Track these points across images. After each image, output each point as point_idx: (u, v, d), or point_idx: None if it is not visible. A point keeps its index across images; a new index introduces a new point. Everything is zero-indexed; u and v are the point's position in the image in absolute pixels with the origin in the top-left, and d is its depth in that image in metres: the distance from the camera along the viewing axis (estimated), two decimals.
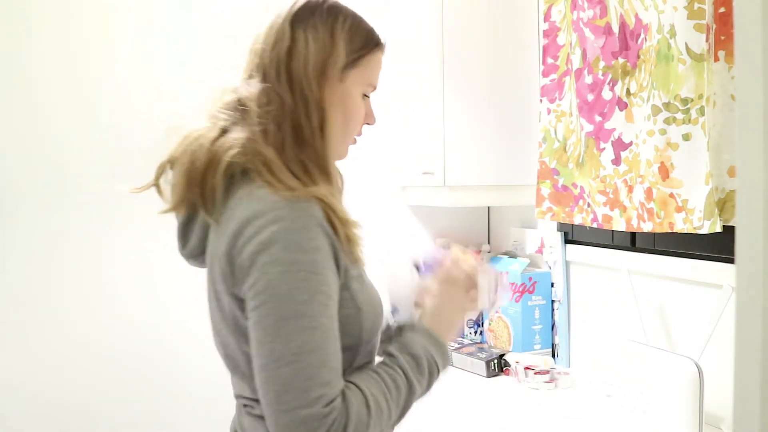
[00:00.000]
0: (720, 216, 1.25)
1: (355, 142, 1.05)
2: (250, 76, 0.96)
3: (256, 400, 0.92)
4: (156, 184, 1.00)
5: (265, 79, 0.94)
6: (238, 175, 0.91)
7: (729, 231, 1.24)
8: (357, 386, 0.89)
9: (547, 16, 1.70)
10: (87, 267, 2.50)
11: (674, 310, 1.47)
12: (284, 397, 0.82)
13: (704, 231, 1.24)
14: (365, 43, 0.99)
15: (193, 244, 1.01)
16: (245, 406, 0.99)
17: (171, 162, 0.97)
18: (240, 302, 0.88)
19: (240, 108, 0.94)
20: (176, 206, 0.96)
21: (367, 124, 1.06)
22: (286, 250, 0.84)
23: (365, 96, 1.02)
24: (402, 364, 0.94)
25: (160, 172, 0.99)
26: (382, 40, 1.01)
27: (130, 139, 2.53)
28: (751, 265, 0.50)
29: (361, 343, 0.94)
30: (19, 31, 2.43)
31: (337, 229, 0.89)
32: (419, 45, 1.95)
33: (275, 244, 0.84)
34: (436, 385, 0.99)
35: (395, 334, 1.00)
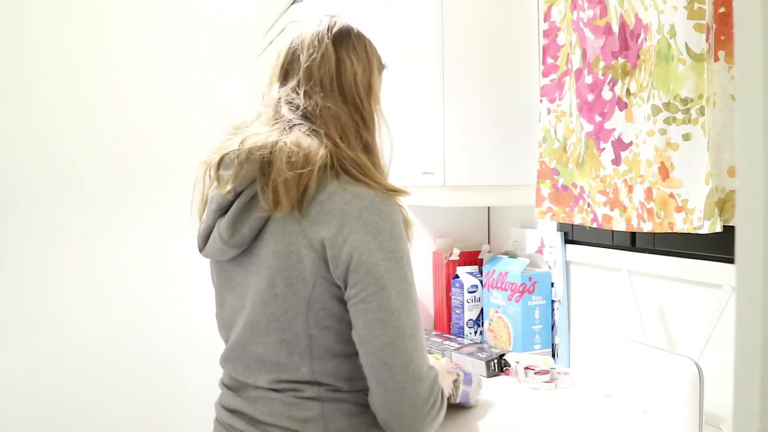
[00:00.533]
0: (720, 216, 1.25)
1: None
2: (306, 92, 1.06)
3: (309, 384, 1.04)
4: (219, 181, 1.07)
5: (321, 92, 1.06)
6: (327, 172, 1.02)
7: (729, 231, 1.24)
8: None
9: (547, 16, 1.70)
10: (87, 267, 2.51)
11: (674, 310, 1.47)
12: (409, 367, 0.97)
13: (704, 231, 1.24)
14: (381, 62, 1.15)
15: (244, 234, 1.05)
16: (289, 390, 1.05)
17: (243, 159, 1.02)
18: (333, 287, 1.00)
19: (306, 116, 1.05)
20: (284, 206, 1.00)
21: None
22: (392, 239, 0.98)
23: None
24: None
25: (240, 170, 1.04)
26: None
27: (129, 140, 2.53)
28: (751, 265, 0.50)
29: None
30: (20, 32, 2.43)
31: (408, 225, 1.04)
32: (419, 45, 1.95)
33: (383, 233, 0.98)
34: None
35: None
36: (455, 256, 2.14)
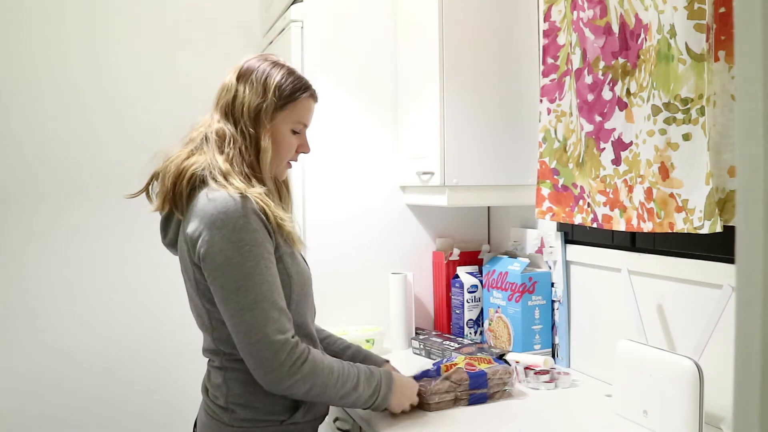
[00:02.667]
0: (720, 216, 1.25)
1: (290, 166, 1.40)
2: (212, 116, 1.34)
3: (215, 353, 1.28)
4: (147, 192, 1.35)
5: (221, 119, 1.32)
6: (198, 183, 1.26)
7: (729, 231, 1.24)
8: (318, 350, 1.26)
9: (547, 16, 1.70)
10: (88, 269, 2.51)
11: (674, 310, 1.47)
12: (250, 333, 1.17)
13: (704, 231, 1.24)
14: (292, 91, 1.33)
15: (170, 236, 1.36)
16: (209, 360, 1.32)
17: (155, 176, 1.33)
18: (199, 269, 1.23)
19: (206, 138, 1.31)
20: (159, 207, 1.33)
21: (302, 152, 1.40)
22: (234, 231, 1.19)
23: (295, 132, 1.36)
24: (359, 367, 1.31)
25: (149, 183, 1.35)
26: (310, 90, 1.37)
27: (129, 141, 2.53)
28: (751, 265, 0.50)
29: (291, 302, 1.27)
30: (23, 33, 2.43)
31: (269, 217, 1.24)
32: (419, 45, 1.95)
33: (226, 228, 1.19)
34: (368, 406, 1.32)
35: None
36: (455, 256, 2.14)
